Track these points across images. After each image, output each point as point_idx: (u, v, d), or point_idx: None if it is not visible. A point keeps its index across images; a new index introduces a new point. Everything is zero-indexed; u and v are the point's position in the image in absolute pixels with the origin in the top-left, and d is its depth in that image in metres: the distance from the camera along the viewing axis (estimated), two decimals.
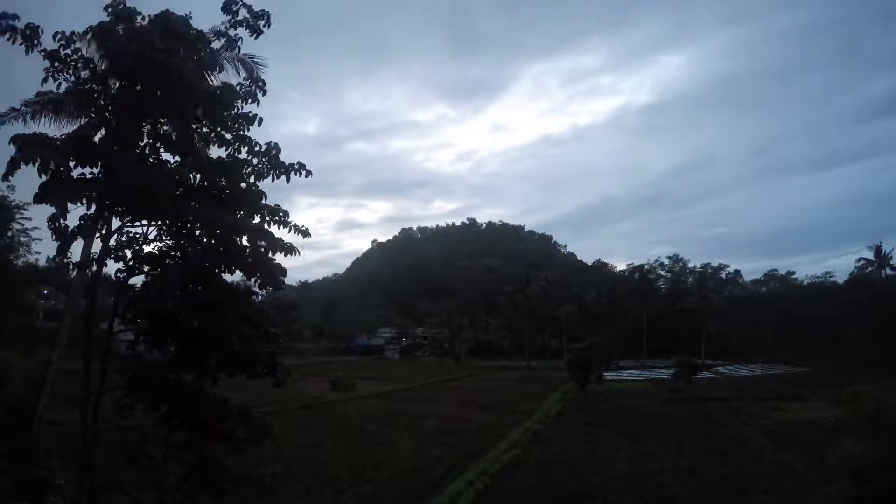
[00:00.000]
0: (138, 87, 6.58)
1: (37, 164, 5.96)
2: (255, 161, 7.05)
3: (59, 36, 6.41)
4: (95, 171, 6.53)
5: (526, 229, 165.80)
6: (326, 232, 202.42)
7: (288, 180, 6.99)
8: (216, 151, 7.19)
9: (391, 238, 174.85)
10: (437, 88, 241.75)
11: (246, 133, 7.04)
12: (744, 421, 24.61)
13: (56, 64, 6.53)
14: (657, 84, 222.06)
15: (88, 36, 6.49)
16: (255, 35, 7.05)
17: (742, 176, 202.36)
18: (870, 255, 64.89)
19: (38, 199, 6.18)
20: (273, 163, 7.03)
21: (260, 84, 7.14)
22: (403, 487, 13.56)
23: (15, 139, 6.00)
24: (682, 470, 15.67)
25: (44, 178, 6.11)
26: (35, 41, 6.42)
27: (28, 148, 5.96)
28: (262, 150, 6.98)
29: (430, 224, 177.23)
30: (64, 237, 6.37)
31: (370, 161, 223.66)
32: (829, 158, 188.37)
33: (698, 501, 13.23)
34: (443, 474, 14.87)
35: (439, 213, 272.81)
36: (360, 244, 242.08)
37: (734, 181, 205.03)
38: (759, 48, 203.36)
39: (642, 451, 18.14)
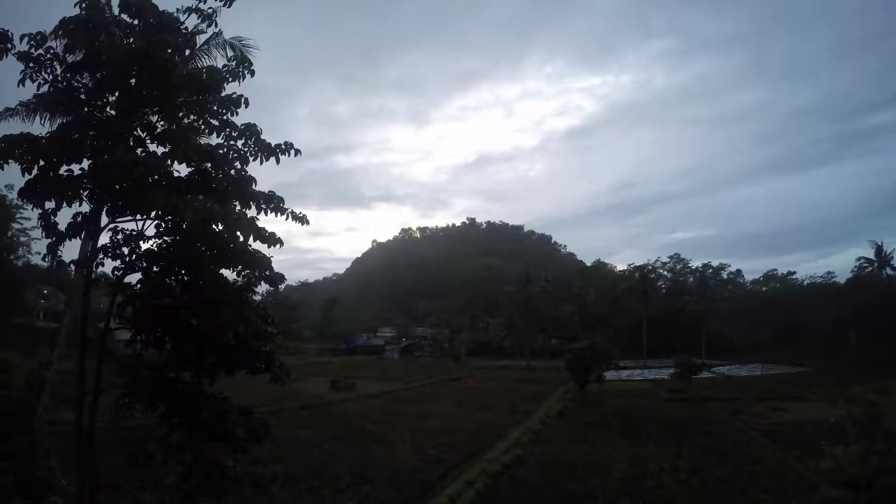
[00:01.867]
0: (118, 80, 6.41)
1: (22, 164, 5.91)
2: (239, 144, 6.78)
3: (28, 38, 6.26)
4: (83, 167, 6.42)
5: (525, 229, 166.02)
6: (299, 239, 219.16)
7: (278, 161, 6.75)
8: (204, 141, 6.96)
9: (391, 238, 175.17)
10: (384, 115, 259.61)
11: (234, 117, 6.79)
12: (744, 421, 24.60)
13: (31, 65, 6.35)
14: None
15: (59, 33, 6.31)
16: (226, 4, 6.66)
17: (679, 187, 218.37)
18: (870, 255, 64.98)
19: (23, 193, 6.14)
20: (258, 145, 6.75)
21: (246, 63, 6.79)
22: (403, 487, 13.55)
23: (1, 140, 5.94)
24: (682, 470, 15.66)
25: (27, 176, 6.06)
26: (8, 45, 6.25)
27: (10, 150, 5.86)
28: (244, 131, 6.73)
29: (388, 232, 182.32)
30: (55, 235, 6.29)
31: (328, 178, 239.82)
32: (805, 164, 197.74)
33: (698, 502, 13.23)
34: (443, 474, 14.87)
35: (401, 220, 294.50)
36: (332, 247, 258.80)
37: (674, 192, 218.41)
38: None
39: (642, 451, 18.13)
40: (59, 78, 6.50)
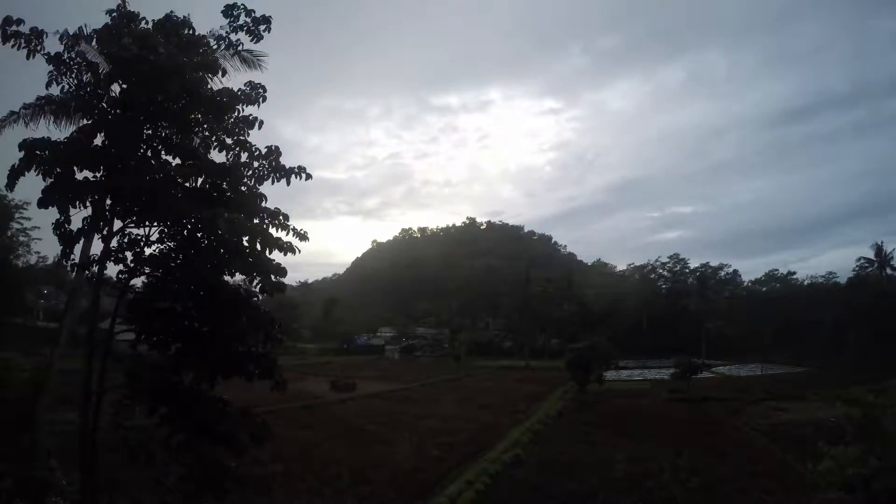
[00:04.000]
0: (141, 91, 6.56)
1: (39, 170, 6.00)
2: (255, 164, 7.09)
3: (65, 38, 6.39)
4: (98, 174, 6.55)
5: (525, 229, 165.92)
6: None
7: (288, 183, 7.05)
8: (217, 156, 7.23)
9: (391, 238, 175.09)
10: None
11: (246, 137, 7.10)
12: (744, 421, 24.61)
13: (60, 67, 6.52)
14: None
15: (94, 39, 6.50)
16: (255, 40, 7.16)
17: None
18: (870, 255, 65.02)
19: (43, 203, 6.24)
20: (273, 166, 7.05)
21: (260, 90, 7.19)
22: (403, 487, 13.56)
23: (22, 145, 6.04)
24: (682, 470, 15.66)
25: (47, 181, 6.16)
26: (39, 45, 6.38)
27: (32, 155, 5.98)
28: (263, 153, 7.04)
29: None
30: (68, 240, 6.39)
31: (293, 194, 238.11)
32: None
33: (698, 501, 13.23)
34: (443, 474, 14.88)
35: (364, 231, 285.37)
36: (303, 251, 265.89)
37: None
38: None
39: (642, 451, 18.14)
40: (85, 83, 6.69)
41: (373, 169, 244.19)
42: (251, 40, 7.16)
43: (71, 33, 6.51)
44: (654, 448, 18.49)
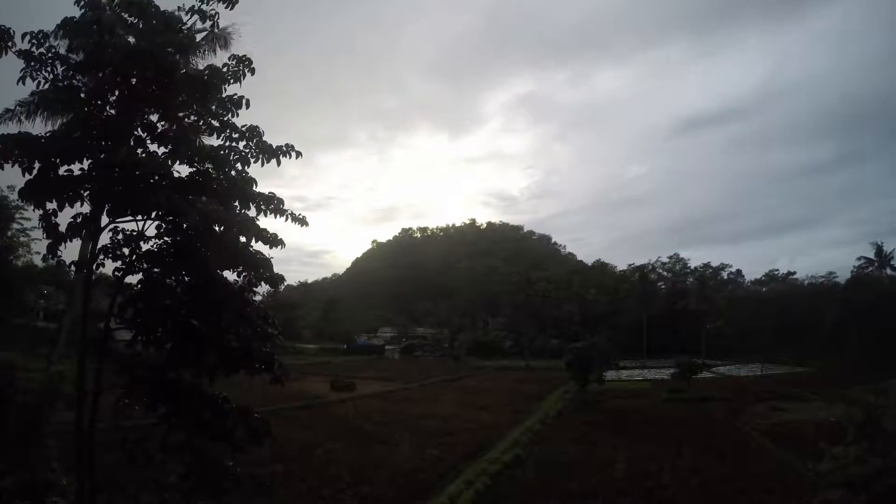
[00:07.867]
0: (120, 79, 6.37)
1: (21, 164, 5.89)
2: (240, 146, 6.75)
3: (29, 36, 6.21)
4: (84, 167, 6.38)
5: (525, 229, 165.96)
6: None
7: (279, 163, 6.72)
8: (205, 142, 6.92)
9: (391, 238, 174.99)
10: None
11: (234, 118, 6.76)
12: (744, 421, 24.62)
13: (32, 63, 6.29)
14: None
15: (61, 32, 6.25)
16: (229, 6, 6.67)
17: None
18: (870, 255, 64.98)
19: (23, 194, 6.14)
20: (259, 146, 6.73)
21: (246, 63, 6.73)
22: (403, 487, 13.56)
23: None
24: (682, 470, 15.66)
25: (28, 176, 6.04)
26: (8, 42, 6.21)
27: (8, 148, 5.84)
28: (245, 132, 6.69)
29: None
30: (55, 236, 6.27)
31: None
32: None
33: (698, 502, 13.23)
34: (443, 474, 14.88)
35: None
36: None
37: None
38: None
39: (642, 451, 18.13)
40: (60, 77, 6.45)
41: (350, 188, 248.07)
42: (226, 7, 6.62)
43: (39, 30, 6.24)
44: (654, 448, 18.50)
